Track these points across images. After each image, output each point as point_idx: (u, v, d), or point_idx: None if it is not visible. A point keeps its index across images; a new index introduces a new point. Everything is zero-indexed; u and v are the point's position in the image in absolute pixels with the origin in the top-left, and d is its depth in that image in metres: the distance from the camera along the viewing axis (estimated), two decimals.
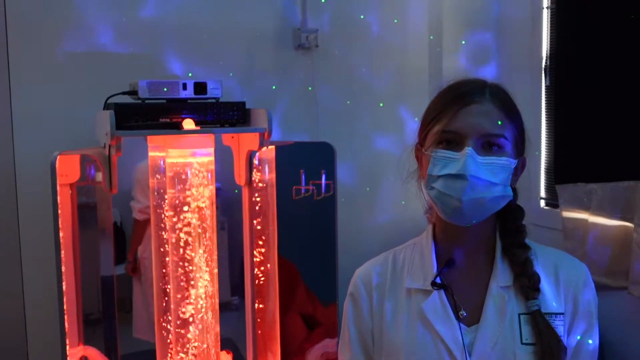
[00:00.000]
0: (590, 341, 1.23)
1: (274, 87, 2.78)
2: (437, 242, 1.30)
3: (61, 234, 2.00)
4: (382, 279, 1.31)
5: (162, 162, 2.18)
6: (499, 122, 1.17)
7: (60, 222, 1.98)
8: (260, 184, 2.41)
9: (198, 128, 2.14)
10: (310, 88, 2.86)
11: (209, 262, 2.18)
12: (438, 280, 1.24)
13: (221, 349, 2.30)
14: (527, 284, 1.21)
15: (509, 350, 1.18)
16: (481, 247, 1.26)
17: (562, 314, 1.21)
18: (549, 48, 2.76)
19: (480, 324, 1.21)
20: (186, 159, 2.12)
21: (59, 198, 1.95)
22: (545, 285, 1.22)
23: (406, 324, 1.25)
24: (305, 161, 2.55)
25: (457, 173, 1.14)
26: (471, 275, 1.26)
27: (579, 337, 1.22)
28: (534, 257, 1.24)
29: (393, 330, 1.27)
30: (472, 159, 1.14)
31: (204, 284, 2.17)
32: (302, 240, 2.63)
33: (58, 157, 1.93)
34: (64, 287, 1.97)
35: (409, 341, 1.24)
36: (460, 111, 1.17)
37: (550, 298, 1.22)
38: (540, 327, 1.18)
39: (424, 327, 1.23)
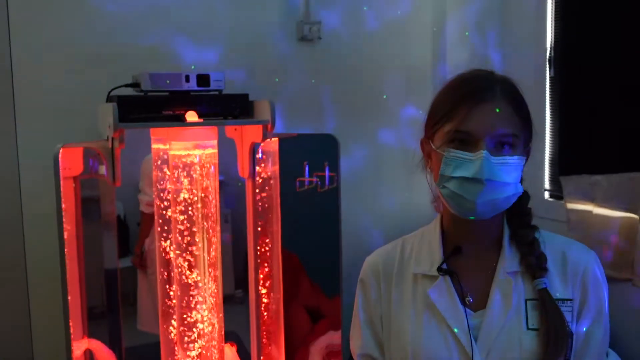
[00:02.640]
0: (600, 328, 1.23)
1: (276, 79, 2.77)
2: (445, 231, 1.31)
3: (65, 228, 2.00)
4: (390, 266, 1.33)
5: (165, 155, 2.18)
6: (511, 121, 1.17)
7: (63, 216, 1.97)
8: (263, 176, 2.41)
9: (201, 120, 2.14)
10: (313, 80, 2.85)
11: (212, 255, 2.18)
12: (444, 266, 1.25)
13: (225, 342, 2.30)
14: (534, 262, 1.22)
15: (515, 335, 1.19)
16: (489, 235, 1.27)
17: (571, 300, 1.21)
18: (553, 39, 2.74)
19: (487, 309, 1.21)
20: (189, 152, 2.11)
21: (62, 191, 1.95)
22: (553, 272, 1.23)
23: (412, 310, 1.26)
24: (309, 153, 2.54)
25: (473, 177, 1.14)
26: (478, 262, 1.26)
27: (588, 325, 1.22)
28: (542, 243, 1.25)
29: (400, 316, 1.28)
30: (488, 161, 1.14)
31: (208, 277, 2.17)
32: (305, 233, 2.62)
33: (61, 150, 1.93)
34: (67, 281, 1.97)
35: (415, 326, 1.25)
36: (472, 110, 1.16)
37: (558, 284, 1.22)
38: (547, 307, 1.18)
39: (429, 312, 1.24)
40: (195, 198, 2.13)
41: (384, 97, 2.99)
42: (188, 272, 2.15)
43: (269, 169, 2.41)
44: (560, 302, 1.20)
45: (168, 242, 2.22)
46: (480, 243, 1.27)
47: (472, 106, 1.16)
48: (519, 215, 1.27)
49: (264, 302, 2.45)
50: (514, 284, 1.22)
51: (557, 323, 1.17)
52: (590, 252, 1.27)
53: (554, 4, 2.73)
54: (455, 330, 1.20)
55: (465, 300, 1.23)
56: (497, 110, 1.17)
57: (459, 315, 1.21)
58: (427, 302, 1.25)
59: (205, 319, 2.17)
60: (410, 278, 1.29)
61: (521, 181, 1.25)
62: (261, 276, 2.43)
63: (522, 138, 1.20)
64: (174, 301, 2.20)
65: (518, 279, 1.23)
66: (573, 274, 1.23)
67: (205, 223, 2.15)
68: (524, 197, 1.28)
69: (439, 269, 1.25)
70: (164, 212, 2.21)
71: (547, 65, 2.76)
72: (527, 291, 1.22)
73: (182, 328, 2.17)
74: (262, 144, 2.24)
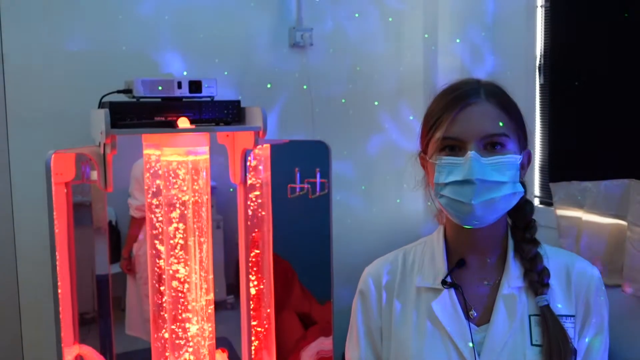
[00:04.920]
0: (600, 345, 1.22)
1: (269, 86, 2.78)
2: (448, 242, 1.29)
3: (56, 233, 2.00)
4: (392, 277, 1.30)
5: (157, 161, 2.18)
6: (499, 121, 1.17)
7: (55, 221, 1.97)
8: (255, 183, 2.41)
9: (193, 127, 2.15)
10: (305, 86, 2.86)
11: (204, 261, 2.18)
12: (449, 279, 1.23)
13: (216, 348, 2.30)
14: (535, 279, 1.20)
15: (519, 351, 1.17)
16: (493, 247, 1.25)
17: (573, 316, 1.21)
18: (543, 46, 2.76)
19: (491, 324, 1.20)
20: (181, 158, 2.12)
21: (54, 197, 1.95)
22: (557, 287, 1.22)
23: (415, 323, 1.24)
24: (300, 160, 2.55)
25: (463, 179, 1.14)
26: (482, 275, 1.25)
27: (588, 340, 1.21)
28: (546, 258, 1.23)
29: (401, 329, 1.26)
30: (477, 162, 1.13)
31: (199, 283, 2.17)
32: (297, 239, 2.63)
33: (53, 155, 1.93)
34: (59, 286, 1.97)
35: (417, 340, 1.23)
36: (458, 115, 1.16)
37: (562, 300, 1.21)
38: (549, 323, 1.17)
39: (432, 326, 1.22)
40: (187, 204, 2.14)
41: (375, 103, 3.00)
42: (179, 277, 2.15)
43: (261, 175, 2.42)
44: (563, 318, 1.19)
45: (159, 247, 2.22)
46: (485, 255, 1.25)
47: (457, 111, 1.17)
48: (523, 227, 1.26)
49: (255, 308, 2.45)
50: (518, 299, 1.20)
51: (560, 340, 1.16)
52: (593, 268, 1.26)
53: (544, 11, 2.76)
54: (459, 345, 1.19)
55: (469, 313, 1.22)
56: (482, 111, 1.17)
57: (463, 330, 1.20)
58: (431, 315, 1.23)
59: (196, 324, 2.17)
60: (413, 290, 1.27)
61: (524, 187, 1.23)
62: (252, 281, 2.43)
63: (515, 137, 1.19)
64: (165, 307, 2.20)
65: (522, 294, 1.21)
66: (577, 290, 1.22)
67: (196, 229, 2.16)
68: (528, 207, 1.27)
69: (443, 282, 1.23)
70: (156, 217, 2.22)
71: (537, 73, 2.78)
72: (531, 307, 1.20)
73: (173, 334, 2.17)
74: (253, 150, 2.25)
